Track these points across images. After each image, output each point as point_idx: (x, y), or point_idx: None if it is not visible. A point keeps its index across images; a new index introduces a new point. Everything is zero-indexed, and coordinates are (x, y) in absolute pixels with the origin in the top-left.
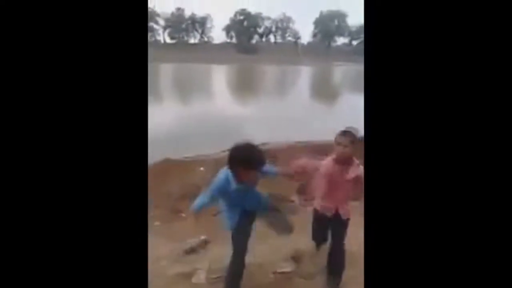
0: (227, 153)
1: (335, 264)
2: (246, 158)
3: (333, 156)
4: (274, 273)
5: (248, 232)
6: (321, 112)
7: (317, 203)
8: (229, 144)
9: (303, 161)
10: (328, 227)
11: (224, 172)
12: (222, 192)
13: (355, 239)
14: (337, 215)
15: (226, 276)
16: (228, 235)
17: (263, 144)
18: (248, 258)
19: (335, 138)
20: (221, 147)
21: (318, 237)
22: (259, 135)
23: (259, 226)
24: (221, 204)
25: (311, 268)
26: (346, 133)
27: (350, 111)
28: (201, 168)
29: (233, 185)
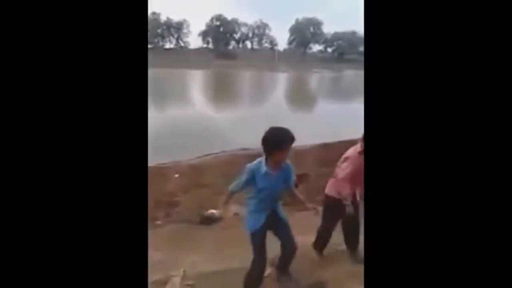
0: (203, 159)
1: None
2: (280, 138)
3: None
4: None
5: (266, 233)
6: (298, 118)
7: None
8: (205, 151)
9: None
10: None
11: (258, 160)
12: (255, 173)
13: None
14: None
15: (247, 275)
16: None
17: (243, 149)
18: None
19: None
20: (197, 153)
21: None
22: (237, 141)
23: None
24: (249, 204)
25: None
26: None
27: (327, 118)
28: (176, 175)
29: (264, 168)
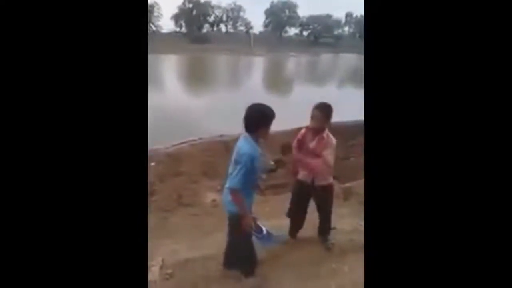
0: (179, 146)
1: (324, 229)
2: (263, 115)
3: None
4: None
5: None
6: (275, 103)
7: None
8: (181, 138)
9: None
10: (309, 198)
11: (244, 140)
12: (254, 159)
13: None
14: (313, 182)
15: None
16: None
17: (220, 135)
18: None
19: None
20: (173, 141)
21: (298, 210)
22: (214, 127)
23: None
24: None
25: None
26: (318, 106)
27: (304, 101)
28: (152, 163)
29: (258, 149)
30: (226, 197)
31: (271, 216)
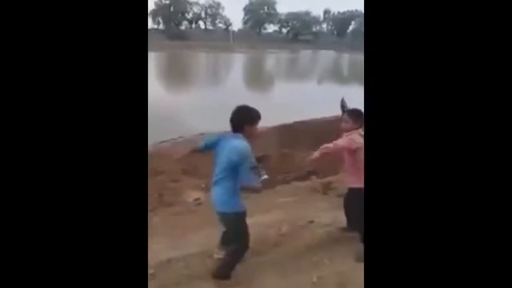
0: (159, 145)
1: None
2: (252, 115)
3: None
4: (215, 259)
5: None
6: (256, 100)
7: (350, 180)
8: (161, 137)
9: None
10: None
11: (238, 141)
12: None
13: None
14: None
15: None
16: None
17: (201, 134)
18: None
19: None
20: (153, 139)
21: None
22: (195, 125)
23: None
24: (230, 183)
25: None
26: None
27: (285, 98)
28: None
29: (249, 147)
30: (220, 197)
31: (254, 212)
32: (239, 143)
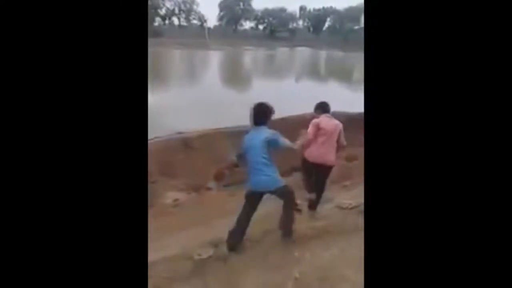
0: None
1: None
2: (269, 109)
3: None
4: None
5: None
6: (233, 98)
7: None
8: None
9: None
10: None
11: (267, 129)
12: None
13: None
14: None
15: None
16: None
17: (178, 133)
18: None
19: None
20: None
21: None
22: (172, 125)
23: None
24: (267, 165)
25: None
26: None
27: (262, 96)
28: None
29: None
30: (272, 177)
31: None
32: (268, 130)
